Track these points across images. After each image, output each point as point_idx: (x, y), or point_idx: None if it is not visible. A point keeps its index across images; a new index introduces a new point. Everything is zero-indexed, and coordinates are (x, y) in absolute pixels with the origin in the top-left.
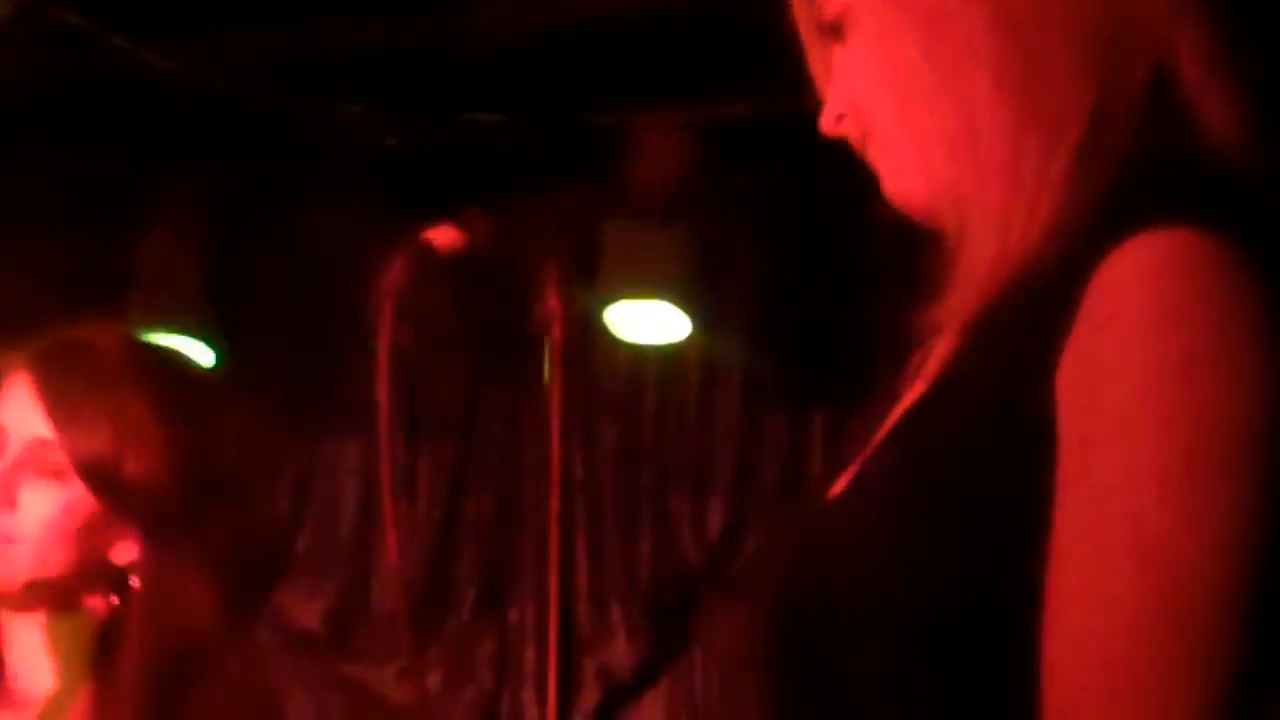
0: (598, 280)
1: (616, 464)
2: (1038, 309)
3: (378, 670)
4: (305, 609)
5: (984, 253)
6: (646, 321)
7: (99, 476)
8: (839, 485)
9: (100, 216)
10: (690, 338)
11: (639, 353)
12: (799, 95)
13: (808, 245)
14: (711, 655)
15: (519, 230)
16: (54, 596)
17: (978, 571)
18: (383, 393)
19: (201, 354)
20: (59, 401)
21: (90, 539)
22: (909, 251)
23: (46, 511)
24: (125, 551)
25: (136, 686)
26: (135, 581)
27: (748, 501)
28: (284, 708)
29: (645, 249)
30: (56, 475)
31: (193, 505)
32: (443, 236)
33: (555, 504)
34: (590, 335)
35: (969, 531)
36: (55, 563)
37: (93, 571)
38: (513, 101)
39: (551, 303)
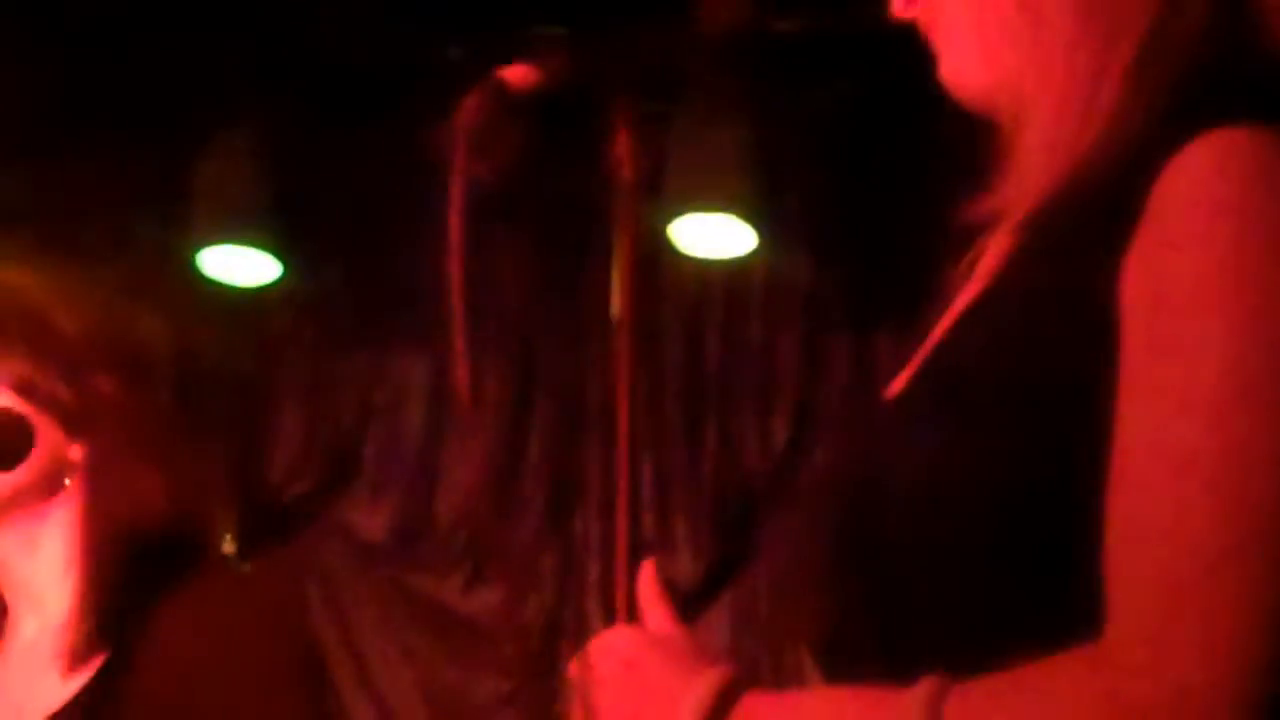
0: (663, 193)
1: (681, 377)
2: (1101, 207)
3: (443, 581)
4: (370, 521)
5: (1039, 145)
6: (711, 235)
7: (26, 390)
8: (898, 385)
9: (167, 130)
10: (755, 252)
11: (704, 266)
12: (863, 7)
13: (874, 160)
14: (773, 566)
15: (594, 69)
16: (21, 500)
17: (1037, 467)
18: (456, 230)
19: (267, 266)
20: None
21: (42, 440)
22: (974, 158)
23: None
24: (77, 450)
25: (103, 581)
26: (75, 478)
27: (812, 416)
28: (305, 615)
29: (710, 162)
30: None
31: (128, 406)
32: (517, 74)
33: (622, 400)
34: (656, 248)
35: (1029, 427)
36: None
37: (51, 471)
38: (575, 14)
39: (622, 144)
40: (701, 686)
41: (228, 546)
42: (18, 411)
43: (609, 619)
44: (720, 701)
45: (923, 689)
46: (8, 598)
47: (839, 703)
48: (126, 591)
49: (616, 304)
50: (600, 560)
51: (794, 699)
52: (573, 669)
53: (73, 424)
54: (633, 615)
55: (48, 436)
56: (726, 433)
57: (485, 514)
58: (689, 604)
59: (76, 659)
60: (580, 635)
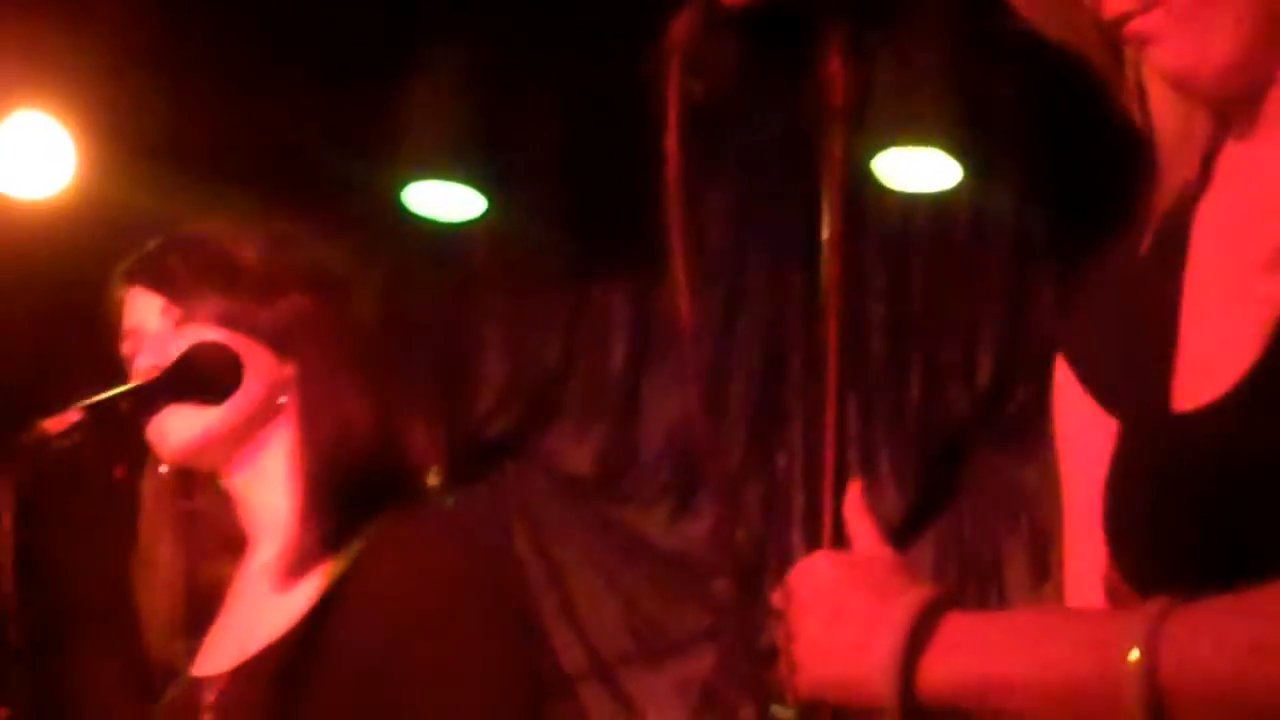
0: (868, 126)
1: (886, 311)
2: None
3: (647, 514)
4: (575, 453)
5: None
6: (916, 169)
7: (229, 322)
8: (1228, 383)
9: (371, 62)
10: (960, 185)
11: (908, 200)
12: None
13: (1080, 97)
14: (981, 504)
15: None
16: (247, 433)
17: None
18: (673, 145)
19: (472, 201)
20: (175, 286)
21: (254, 367)
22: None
23: None
24: (289, 369)
25: (320, 496)
26: (290, 395)
27: (1017, 352)
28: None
29: (915, 96)
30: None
31: (329, 322)
32: None
33: (831, 316)
34: (860, 181)
35: None
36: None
37: (269, 396)
38: None
39: (834, 66)
40: (903, 608)
41: (434, 479)
42: (225, 346)
43: (814, 551)
44: (921, 622)
45: (1149, 608)
46: (248, 529)
47: (1051, 620)
48: (342, 510)
49: (825, 226)
50: (805, 493)
51: (1002, 618)
52: (777, 596)
53: (279, 343)
54: (838, 540)
55: (259, 362)
56: (931, 368)
57: (689, 447)
58: (893, 538)
59: (293, 572)
60: (784, 569)
